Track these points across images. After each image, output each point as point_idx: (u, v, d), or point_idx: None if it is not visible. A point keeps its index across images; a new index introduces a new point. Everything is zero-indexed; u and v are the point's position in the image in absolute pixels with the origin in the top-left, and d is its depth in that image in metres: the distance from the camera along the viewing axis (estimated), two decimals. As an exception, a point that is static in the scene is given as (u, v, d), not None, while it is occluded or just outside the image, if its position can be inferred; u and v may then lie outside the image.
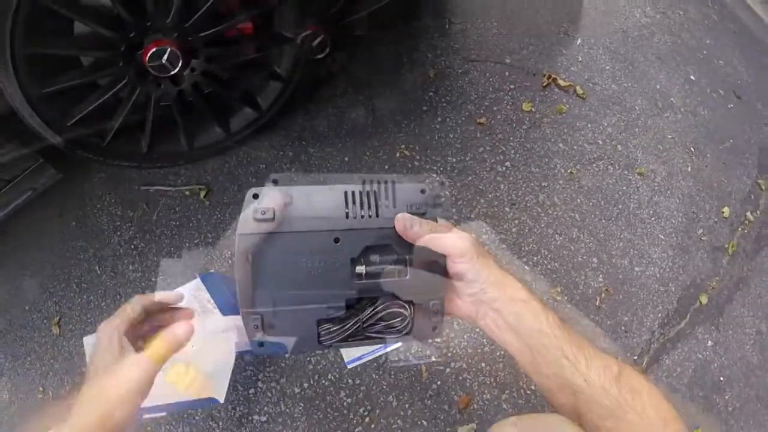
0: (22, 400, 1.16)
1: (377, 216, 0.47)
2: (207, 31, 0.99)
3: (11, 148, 1.05)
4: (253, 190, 0.47)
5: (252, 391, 1.02)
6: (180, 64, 1.00)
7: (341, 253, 0.46)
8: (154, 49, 0.96)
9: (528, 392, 0.98)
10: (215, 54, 1.05)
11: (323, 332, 0.45)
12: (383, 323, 0.48)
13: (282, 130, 1.26)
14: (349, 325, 0.46)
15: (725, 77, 1.51)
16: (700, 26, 1.61)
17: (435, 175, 0.50)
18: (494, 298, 0.46)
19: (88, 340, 1.09)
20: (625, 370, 0.42)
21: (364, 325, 0.47)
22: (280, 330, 0.45)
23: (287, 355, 1.04)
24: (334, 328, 0.45)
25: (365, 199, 0.48)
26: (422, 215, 0.48)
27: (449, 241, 0.46)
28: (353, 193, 0.48)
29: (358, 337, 0.46)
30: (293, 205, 0.47)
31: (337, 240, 0.46)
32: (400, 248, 0.47)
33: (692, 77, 1.45)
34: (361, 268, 0.46)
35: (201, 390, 0.47)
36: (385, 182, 0.49)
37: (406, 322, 0.48)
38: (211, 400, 0.97)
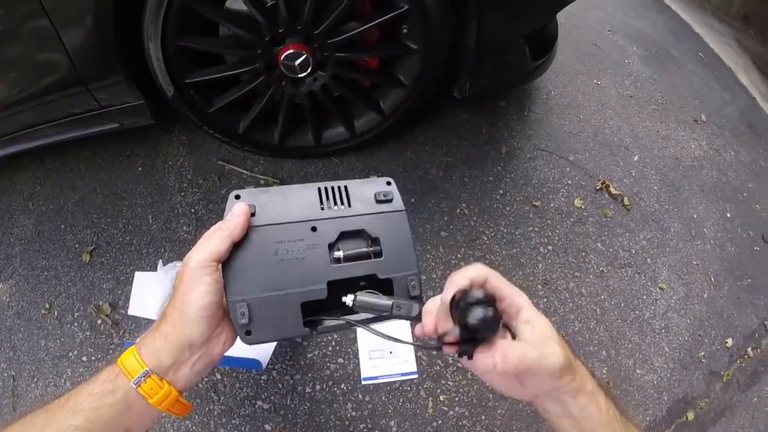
0: (24, 310, 1.12)
1: (350, 206, 0.51)
2: (336, 38, 1.04)
3: (122, 79, 1.05)
4: (236, 192, 0.51)
5: (264, 378, 1.04)
6: (308, 71, 1.08)
7: (319, 240, 0.49)
8: (291, 51, 1.04)
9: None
10: (339, 73, 1.12)
11: (307, 317, 0.47)
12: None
13: (362, 157, 1.38)
14: (330, 308, 0.47)
15: (758, 221, 1.60)
16: (747, 170, 1.72)
17: (378, 175, 0.62)
18: (557, 388, 0.43)
19: (140, 277, 1.16)
20: None
21: (345, 309, 0.48)
22: (266, 315, 0.46)
23: (262, 370, 1.04)
24: (319, 312, 0.47)
25: (337, 193, 0.52)
26: (389, 202, 0.52)
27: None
28: (326, 188, 0.52)
29: (341, 320, 0.48)
30: (273, 201, 0.50)
31: (314, 229, 0.49)
32: (372, 231, 0.50)
33: (728, 214, 1.56)
34: (338, 253, 0.49)
35: (171, 405, 0.46)
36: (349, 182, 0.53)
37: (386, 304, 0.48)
38: (255, 363, 1.03)
